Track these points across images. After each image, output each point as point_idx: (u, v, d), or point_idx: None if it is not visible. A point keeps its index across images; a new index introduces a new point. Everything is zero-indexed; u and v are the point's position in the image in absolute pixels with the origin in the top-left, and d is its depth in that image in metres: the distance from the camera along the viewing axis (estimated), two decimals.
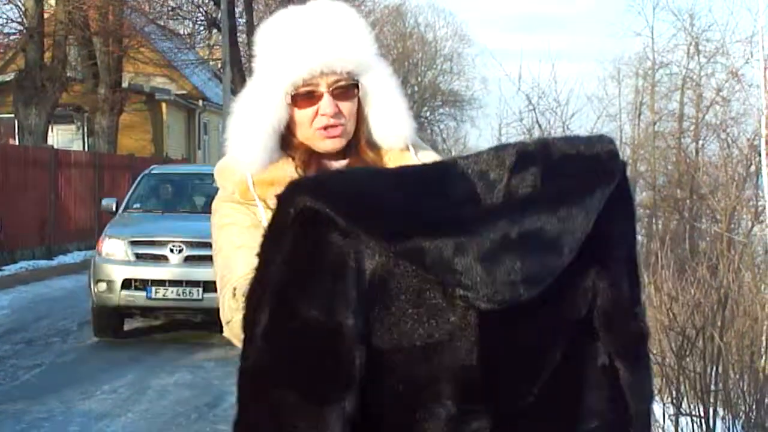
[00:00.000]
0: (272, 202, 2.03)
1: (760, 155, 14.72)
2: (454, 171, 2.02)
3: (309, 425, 1.91)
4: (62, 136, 29.38)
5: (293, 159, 2.57)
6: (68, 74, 25.16)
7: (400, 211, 1.92)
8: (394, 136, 2.60)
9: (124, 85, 28.67)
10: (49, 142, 24.21)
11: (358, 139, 2.59)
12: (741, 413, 5.86)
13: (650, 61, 39.29)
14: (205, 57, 36.30)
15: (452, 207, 1.95)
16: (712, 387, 5.11)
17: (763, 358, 5.62)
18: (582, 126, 24.26)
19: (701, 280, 5.84)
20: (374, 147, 2.61)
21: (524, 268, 1.89)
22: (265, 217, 2.49)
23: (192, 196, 13.93)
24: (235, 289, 2.43)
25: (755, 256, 6.78)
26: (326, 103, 2.52)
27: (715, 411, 5.16)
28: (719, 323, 5.15)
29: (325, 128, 2.54)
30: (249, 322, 1.99)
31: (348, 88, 2.54)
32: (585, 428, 2.06)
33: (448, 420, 1.96)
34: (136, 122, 30.11)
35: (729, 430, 5.72)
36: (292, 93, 2.53)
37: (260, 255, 2.02)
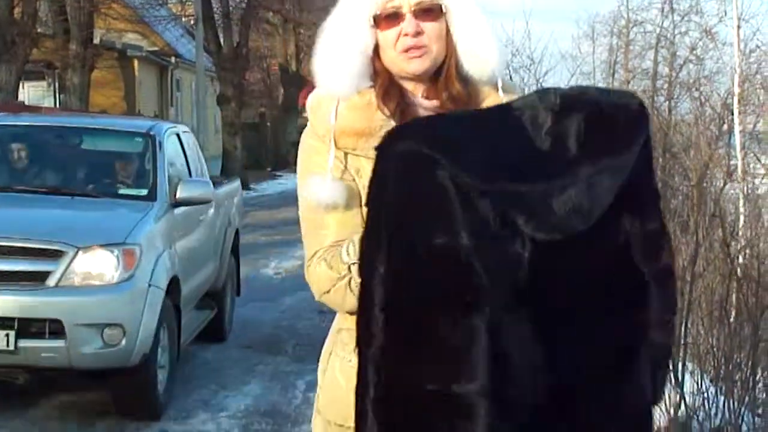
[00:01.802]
0: (360, 152, 2.44)
1: (732, 114, 14.76)
2: (512, 116, 2.28)
3: (460, 336, 2.14)
4: (33, 93, 29.14)
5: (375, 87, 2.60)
6: (39, 30, 24.92)
7: (484, 155, 2.20)
8: (482, 68, 2.62)
9: (96, 41, 28.41)
10: (20, 98, 24.02)
11: (448, 69, 2.61)
12: (710, 368, 5.91)
13: (624, 20, 39.20)
14: (178, 13, 36.07)
15: (521, 153, 2.23)
16: (681, 341, 5.15)
17: (733, 312, 5.66)
18: (556, 84, 24.12)
19: (672, 236, 5.86)
20: (463, 80, 2.62)
21: (575, 206, 2.20)
22: (332, 166, 2.57)
23: (48, 164, 8.60)
24: (327, 260, 2.59)
25: (726, 214, 6.79)
26: (408, 23, 2.55)
27: (684, 365, 5.20)
28: (689, 278, 5.18)
29: (408, 50, 2.56)
30: (368, 268, 2.22)
31: (431, 9, 2.57)
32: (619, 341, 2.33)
33: (512, 326, 2.19)
34: (108, 79, 29.89)
35: (698, 384, 5.77)
36: (376, 15, 2.56)
37: (368, 204, 2.28)
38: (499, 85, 2.65)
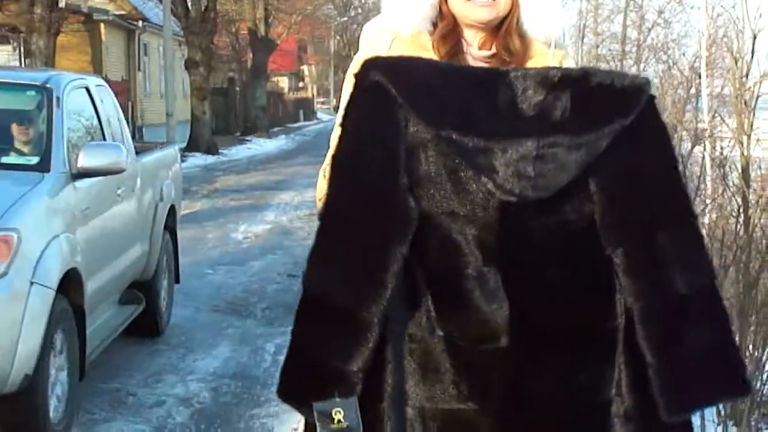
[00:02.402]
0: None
1: (700, 77, 14.81)
2: (504, 80, 2.38)
3: (373, 260, 2.34)
4: None
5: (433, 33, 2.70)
6: None
7: (446, 104, 2.34)
8: (541, 27, 2.73)
9: (62, 4, 28.14)
10: None
11: (509, 23, 2.71)
12: None
13: None
14: None
15: (491, 112, 2.35)
16: None
17: None
18: None
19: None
20: (521, 35, 2.73)
21: (536, 174, 2.31)
22: None
23: None
24: (324, 171, 2.67)
25: (693, 176, 6.83)
26: None
27: None
28: None
29: None
30: (328, 185, 2.41)
31: None
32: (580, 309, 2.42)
33: (476, 276, 2.37)
34: (74, 43, 29.63)
35: None
36: None
37: (341, 126, 2.46)
38: (552, 43, 2.73)
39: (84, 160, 6.40)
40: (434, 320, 2.41)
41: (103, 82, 8.31)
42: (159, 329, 8.25)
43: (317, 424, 2.35)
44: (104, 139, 7.37)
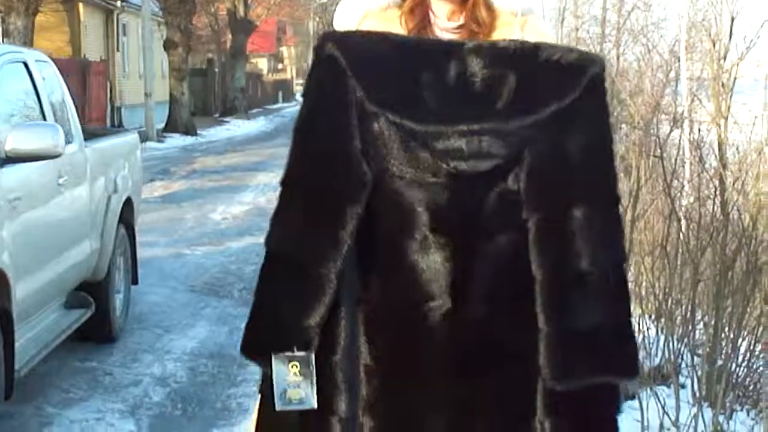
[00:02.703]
0: None
1: (679, 61, 14.84)
2: (458, 55, 2.49)
3: (330, 219, 2.48)
4: None
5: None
6: None
7: (393, 80, 2.48)
8: (510, 0, 2.77)
9: None
10: None
11: None
12: (651, 307, 5.99)
13: None
14: None
15: (439, 88, 2.46)
16: None
17: (679, 253, 5.72)
18: None
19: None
20: (489, 8, 2.77)
21: (473, 154, 2.45)
22: None
23: None
24: None
25: (670, 158, 6.84)
26: None
27: None
28: (629, 218, 5.23)
29: None
30: (289, 151, 2.55)
31: None
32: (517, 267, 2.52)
33: (422, 240, 2.51)
34: (53, 23, 29.45)
35: (638, 323, 5.84)
36: None
37: (302, 95, 2.60)
38: (519, 12, 2.77)
39: (13, 143, 5.61)
40: (382, 281, 2.54)
41: (45, 58, 7.31)
42: (112, 335, 7.35)
43: (274, 375, 2.47)
44: (44, 120, 6.49)
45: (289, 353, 2.47)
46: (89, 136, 7.60)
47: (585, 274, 2.48)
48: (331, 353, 2.53)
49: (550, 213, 2.50)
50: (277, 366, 2.47)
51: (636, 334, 5.67)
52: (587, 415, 2.57)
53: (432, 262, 2.51)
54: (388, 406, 2.59)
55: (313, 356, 2.48)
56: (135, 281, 8.14)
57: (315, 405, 2.49)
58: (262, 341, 2.54)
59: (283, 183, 2.55)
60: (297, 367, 2.47)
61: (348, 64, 2.48)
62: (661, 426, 4.98)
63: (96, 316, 6.99)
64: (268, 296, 2.54)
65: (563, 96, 2.47)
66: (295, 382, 2.47)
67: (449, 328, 2.53)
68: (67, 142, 6.35)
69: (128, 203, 7.89)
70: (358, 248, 2.52)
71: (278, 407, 2.50)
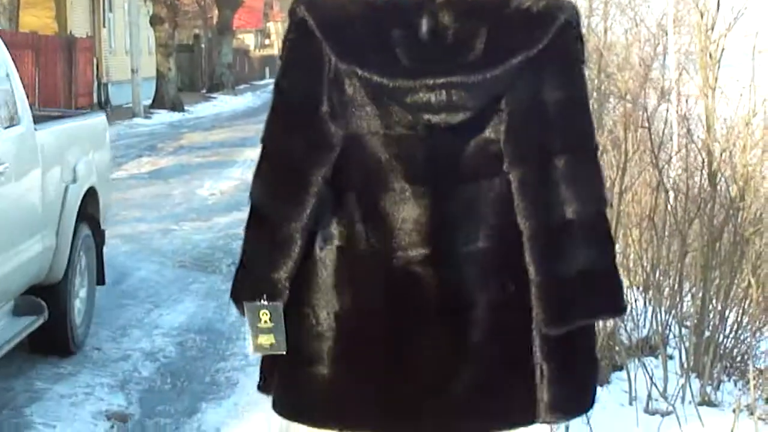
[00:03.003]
0: None
1: (667, 34, 14.83)
2: (430, 8, 2.54)
3: (294, 181, 2.59)
4: None
5: None
6: None
7: (364, 39, 2.54)
8: None
9: None
10: None
11: None
12: (639, 279, 6.00)
13: None
14: None
15: (411, 43, 2.53)
16: None
17: (667, 224, 5.73)
18: None
19: (603, 152, 5.91)
20: None
21: (445, 106, 2.51)
22: None
23: None
24: None
25: (658, 131, 6.85)
26: None
27: None
28: (617, 190, 5.23)
29: None
30: (268, 113, 2.67)
31: None
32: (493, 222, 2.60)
33: (401, 192, 2.58)
34: None
35: (626, 294, 5.85)
36: None
37: (279, 59, 2.71)
38: None
39: None
40: (363, 233, 2.62)
41: None
42: (70, 345, 6.38)
43: (247, 322, 2.66)
44: None
45: (259, 302, 2.64)
46: (46, 118, 6.88)
47: (571, 222, 2.57)
48: (301, 305, 2.67)
49: (531, 164, 2.56)
50: (249, 313, 2.65)
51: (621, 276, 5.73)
52: (577, 350, 2.67)
53: (412, 213, 2.59)
54: (364, 352, 2.66)
55: (280, 305, 2.64)
56: (101, 281, 7.07)
57: (284, 351, 2.66)
58: (240, 290, 2.72)
59: (262, 142, 2.68)
60: (267, 315, 2.64)
61: (318, 27, 2.56)
62: (649, 396, 5.00)
63: (50, 323, 6.04)
64: (247, 248, 2.74)
65: (531, 45, 2.52)
66: (266, 329, 2.65)
67: (432, 275, 2.60)
68: (11, 125, 5.84)
69: (92, 194, 6.82)
70: (337, 202, 2.63)
71: (250, 352, 2.68)
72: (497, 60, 2.51)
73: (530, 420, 2.68)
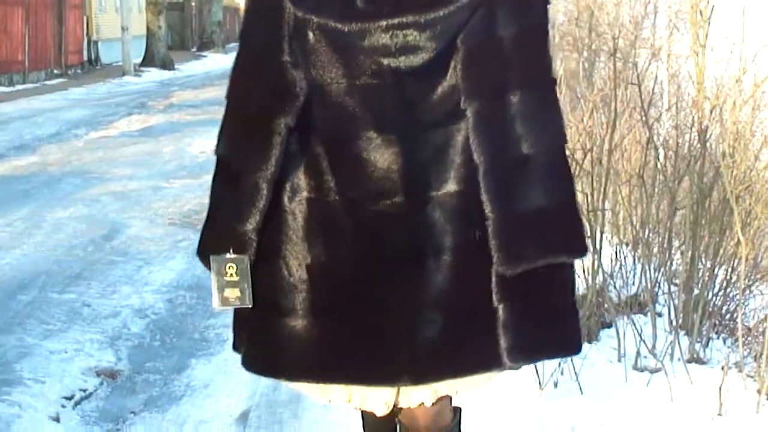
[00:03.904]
0: None
1: None
2: None
3: (258, 131, 2.60)
4: None
5: None
6: None
7: None
8: None
9: None
10: None
11: None
12: (628, 236, 6.01)
13: None
14: None
15: None
16: (599, 209, 5.21)
17: (656, 182, 5.73)
18: None
19: (593, 110, 5.90)
20: None
21: (401, 50, 2.52)
22: None
23: None
24: None
25: (648, 92, 6.84)
26: None
27: (601, 232, 5.27)
28: (607, 148, 5.22)
29: None
30: (232, 66, 2.72)
31: None
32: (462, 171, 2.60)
33: (369, 140, 2.58)
34: None
35: (615, 252, 5.87)
36: None
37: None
38: None
39: None
40: (332, 183, 2.62)
41: None
42: None
43: (213, 275, 2.66)
44: None
45: (225, 255, 2.63)
46: None
47: (526, 158, 2.53)
48: (271, 257, 2.67)
49: (486, 100, 2.54)
50: (215, 266, 2.64)
51: (613, 262, 5.73)
52: (541, 296, 2.63)
53: (381, 161, 2.58)
54: (337, 303, 2.65)
55: (247, 258, 2.63)
56: None
57: (250, 305, 2.66)
58: (206, 244, 2.74)
59: (227, 95, 2.70)
60: (234, 268, 2.63)
61: None
62: (638, 353, 5.02)
63: None
64: (213, 201, 2.76)
65: None
66: (232, 282, 2.64)
67: (403, 223, 2.60)
68: None
69: None
70: (304, 152, 2.64)
71: (216, 305, 2.69)
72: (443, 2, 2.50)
73: (497, 365, 2.66)
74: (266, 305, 2.67)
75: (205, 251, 2.72)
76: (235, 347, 2.88)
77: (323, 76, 2.57)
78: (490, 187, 2.53)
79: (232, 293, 2.65)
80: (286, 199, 2.65)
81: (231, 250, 2.64)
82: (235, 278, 2.64)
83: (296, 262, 2.65)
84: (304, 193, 2.65)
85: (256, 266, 2.66)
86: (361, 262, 2.63)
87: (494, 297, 2.59)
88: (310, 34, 2.55)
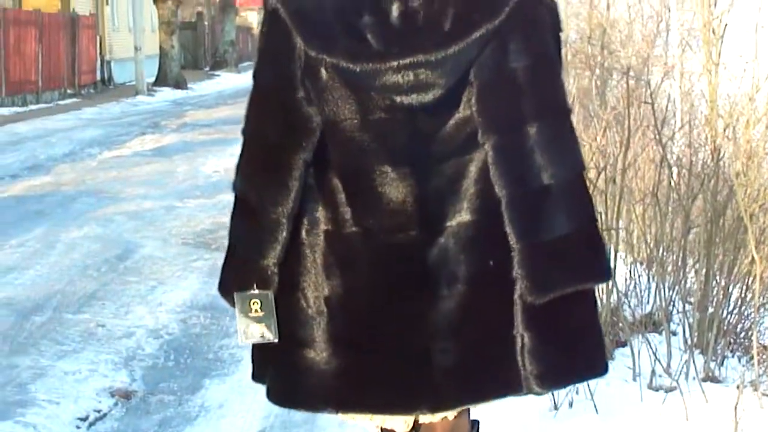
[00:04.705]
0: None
1: (670, 11, 14.78)
2: None
3: (277, 167, 2.64)
4: None
5: None
6: None
7: (333, 27, 2.57)
8: None
9: None
10: None
11: None
12: (642, 255, 6.00)
13: None
14: None
15: (381, 26, 2.56)
16: (612, 228, 5.20)
17: (670, 200, 5.72)
18: None
19: (606, 128, 5.90)
20: None
21: (414, 86, 2.56)
22: None
23: None
24: None
25: (661, 111, 6.83)
26: None
27: (616, 251, 5.27)
28: (620, 167, 5.22)
29: None
30: (247, 102, 2.77)
31: None
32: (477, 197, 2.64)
33: (384, 174, 2.62)
34: None
35: (629, 272, 5.85)
36: None
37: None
38: None
39: None
40: (349, 215, 2.67)
41: None
42: None
43: (237, 312, 2.68)
44: None
45: (249, 292, 2.67)
46: None
47: (547, 188, 2.57)
48: (293, 291, 2.70)
49: (504, 134, 2.58)
50: (240, 303, 2.67)
51: (627, 281, 5.72)
52: (566, 321, 2.66)
53: (396, 194, 2.63)
54: (356, 335, 2.69)
55: (271, 293, 2.67)
56: None
57: (276, 339, 2.68)
58: (229, 281, 2.76)
59: (243, 131, 2.75)
60: (258, 304, 2.66)
61: (289, 16, 2.61)
62: (653, 372, 5.00)
63: None
64: (234, 237, 2.78)
65: (493, 17, 2.54)
66: (257, 318, 2.66)
67: (418, 254, 2.64)
68: None
69: None
70: (320, 186, 2.68)
71: (241, 341, 2.71)
72: (459, 35, 2.54)
73: (518, 390, 2.68)
74: (285, 337, 2.70)
75: (228, 288, 2.75)
76: (254, 377, 2.90)
77: (336, 113, 2.62)
78: (514, 218, 2.57)
79: (258, 329, 2.68)
80: (304, 233, 2.69)
81: (255, 286, 2.67)
82: (260, 314, 2.67)
83: (314, 294, 2.69)
84: (322, 226, 2.69)
85: (277, 299, 2.69)
86: (377, 294, 2.66)
87: (519, 325, 2.63)
88: (323, 72, 2.60)
